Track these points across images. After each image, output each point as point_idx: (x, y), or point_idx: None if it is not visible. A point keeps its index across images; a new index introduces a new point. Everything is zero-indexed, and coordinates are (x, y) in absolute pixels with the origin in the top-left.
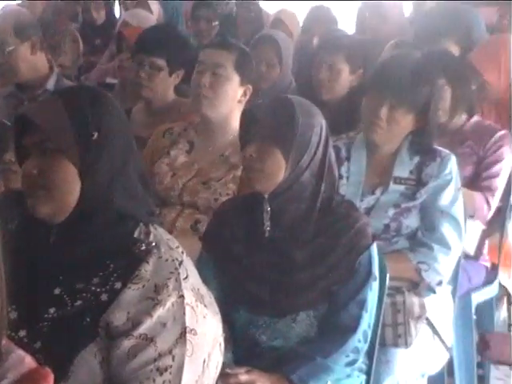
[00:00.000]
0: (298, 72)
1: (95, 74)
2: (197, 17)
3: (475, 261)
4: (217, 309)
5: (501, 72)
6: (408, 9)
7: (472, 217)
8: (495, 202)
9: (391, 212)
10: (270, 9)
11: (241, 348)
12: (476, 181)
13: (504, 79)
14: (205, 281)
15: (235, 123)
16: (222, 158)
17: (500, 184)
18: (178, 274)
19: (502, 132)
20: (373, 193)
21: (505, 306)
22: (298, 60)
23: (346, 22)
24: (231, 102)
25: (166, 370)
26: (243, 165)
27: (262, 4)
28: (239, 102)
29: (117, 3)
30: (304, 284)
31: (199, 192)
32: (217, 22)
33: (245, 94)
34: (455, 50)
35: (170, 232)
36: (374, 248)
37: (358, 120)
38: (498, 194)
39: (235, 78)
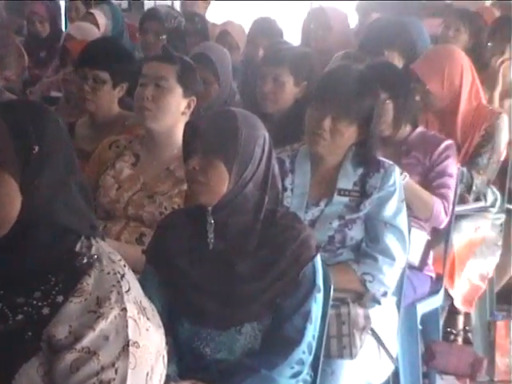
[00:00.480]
0: (243, 84)
1: (40, 88)
2: (144, 30)
3: (420, 271)
4: (160, 321)
5: (444, 82)
6: (353, 20)
7: (428, 220)
8: (450, 211)
9: (336, 224)
10: (217, 20)
11: (185, 361)
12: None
13: (447, 89)
14: (149, 294)
15: (180, 136)
16: (167, 172)
17: (452, 196)
18: (120, 286)
19: (447, 142)
20: (317, 205)
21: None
22: (244, 72)
23: (292, 33)
24: (175, 114)
25: (108, 383)
26: (186, 177)
27: (208, 16)
28: (183, 113)
29: (63, 15)
30: (248, 296)
31: (144, 205)
32: (164, 36)
33: (189, 105)
34: (399, 62)
35: None
36: (318, 259)
37: (302, 132)
38: (450, 205)
39: (178, 90)
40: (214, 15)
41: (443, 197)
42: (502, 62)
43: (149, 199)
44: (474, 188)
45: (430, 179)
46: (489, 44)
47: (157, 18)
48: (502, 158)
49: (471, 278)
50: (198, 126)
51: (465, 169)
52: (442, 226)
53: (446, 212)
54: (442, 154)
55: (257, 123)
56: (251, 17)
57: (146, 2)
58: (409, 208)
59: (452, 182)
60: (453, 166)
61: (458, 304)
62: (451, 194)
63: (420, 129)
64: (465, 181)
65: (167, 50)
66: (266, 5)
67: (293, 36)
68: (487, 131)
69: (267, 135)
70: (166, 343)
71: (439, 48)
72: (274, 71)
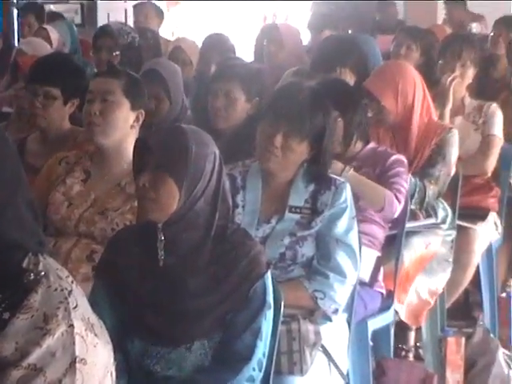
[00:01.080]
0: (195, 100)
1: None
2: (98, 47)
3: (370, 288)
4: (108, 338)
5: (398, 97)
6: (306, 37)
7: (381, 210)
8: (402, 203)
9: (287, 241)
10: (169, 36)
11: (136, 378)
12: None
13: (401, 104)
14: (98, 310)
15: (130, 151)
16: (118, 188)
17: (404, 191)
18: (68, 303)
19: (398, 156)
20: (268, 221)
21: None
22: (196, 88)
23: (245, 49)
24: (123, 127)
25: None
26: (137, 194)
27: (162, 31)
28: (132, 127)
29: (16, 30)
30: (198, 313)
31: (96, 222)
32: (118, 52)
33: (137, 119)
34: (351, 78)
35: (65, 262)
36: (269, 276)
37: (254, 148)
38: (403, 197)
39: (125, 104)
40: (167, 30)
41: (394, 188)
42: (453, 80)
43: (100, 216)
44: (426, 199)
45: (381, 182)
46: (439, 62)
47: (110, 35)
48: (452, 173)
49: (420, 293)
50: (149, 142)
51: (417, 179)
52: (395, 216)
53: (398, 200)
54: (393, 164)
55: (207, 140)
56: (204, 33)
57: (99, 15)
58: (358, 209)
59: (403, 183)
60: (404, 174)
61: (403, 318)
62: (403, 189)
63: (371, 145)
64: (418, 190)
65: (112, 65)
66: (219, 20)
67: (245, 52)
68: (438, 144)
69: (217, 152)
70: (115, 360)
71: (391, 64)
72: (225, 87)
